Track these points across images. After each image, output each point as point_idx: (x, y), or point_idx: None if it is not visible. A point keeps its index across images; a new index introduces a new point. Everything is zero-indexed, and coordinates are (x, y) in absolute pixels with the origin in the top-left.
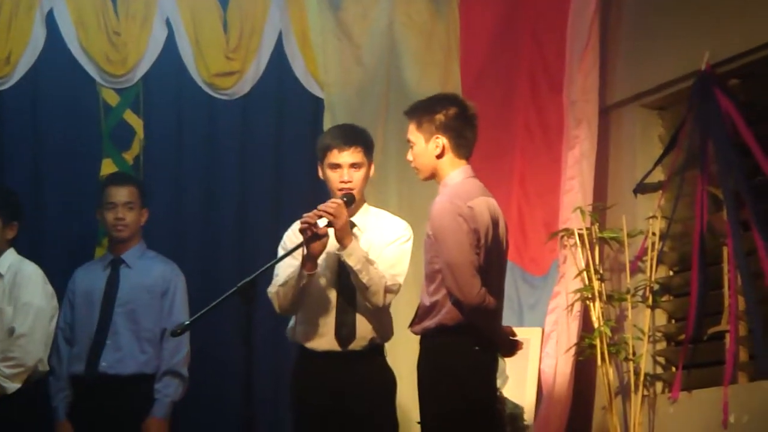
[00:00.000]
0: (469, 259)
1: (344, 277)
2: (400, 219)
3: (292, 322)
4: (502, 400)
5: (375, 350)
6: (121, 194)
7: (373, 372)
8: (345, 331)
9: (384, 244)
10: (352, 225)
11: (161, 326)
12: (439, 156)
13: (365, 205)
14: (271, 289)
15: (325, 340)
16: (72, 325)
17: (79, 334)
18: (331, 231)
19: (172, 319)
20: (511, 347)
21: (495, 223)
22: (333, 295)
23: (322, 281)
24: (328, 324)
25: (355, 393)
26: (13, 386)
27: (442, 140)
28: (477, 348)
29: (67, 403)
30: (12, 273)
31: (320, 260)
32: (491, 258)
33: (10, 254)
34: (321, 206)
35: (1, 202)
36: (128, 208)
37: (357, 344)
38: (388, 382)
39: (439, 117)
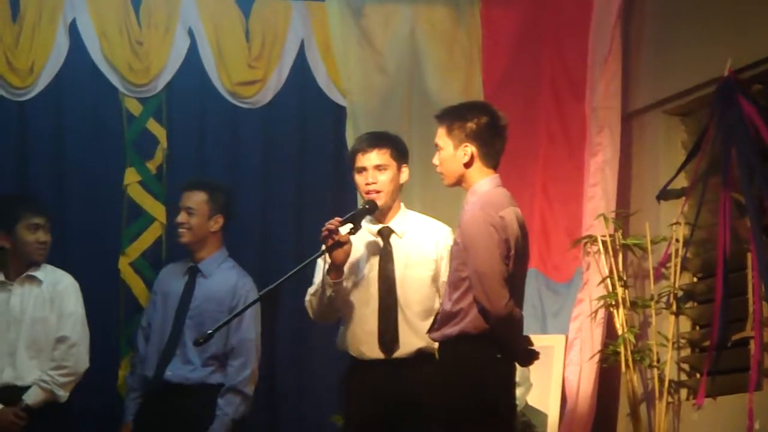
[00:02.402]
0: (499, 270)
1: (384, 285)
2: (441, 223)
3: (340, 333)
4: None
5: (423, 358)
6: (185, 199)
7: (422, 378)
8: (388, 338)
9: (425, 251)
10: (390, 231)
11: (228, 341)
12: (467, 164)
13: (402, 210)
14: (306, 297)
15: (369, 348)
16: (151, 325)
17: (153, 337)
18: (365, 235)
19: (239, 335)
20: (529, 357)
21: (523, 233)
22: (374, 303)
23: (364, 290)
24: (371, 332)
25: (403, 401)
26: (65, 395)
27: (471, 148)
28: (499, 356)
29: (137, 404)
30: (51, 282)
31: (361, 268)
32: (517, 268)
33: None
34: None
35: (48, 212)
36: (188, 214)
37: (402, 352)
38: None
39: (471, 125)
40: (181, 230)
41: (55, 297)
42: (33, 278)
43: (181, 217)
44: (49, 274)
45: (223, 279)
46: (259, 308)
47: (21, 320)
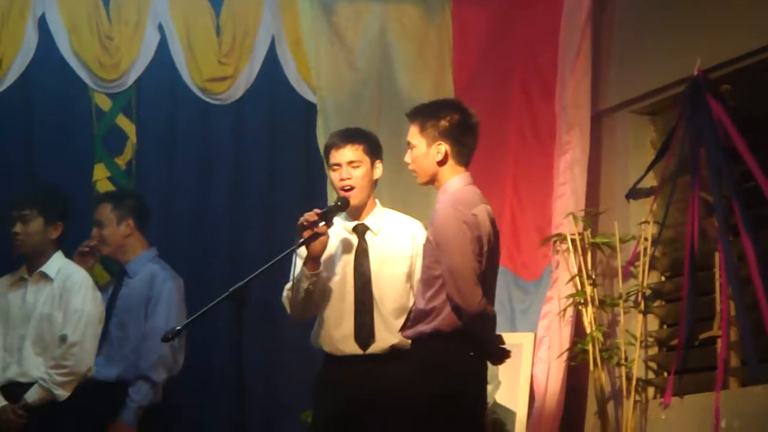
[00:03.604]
0: (472, 267)
1: (359, 281)
2: (416, 221)
3: (314, 329)
4: None
5: (397, 354)
6: (95, 214)
7: (397, 374)
8: (364, 334)
9: (400, 248)
10: (365, 228)
11: (142, 332)
12: (441, 162)
13: (378, 207)
14: (283, 293)
15: (345, 344)
16: None
17: None
18: (340, 232)
19: (149, 324)
20: (501, 355)
21: (494, 230)
22: (350, 300)
23: (340, 287)
24: (348, 328)
25: (376, 396)
26: (64, 394)
27: (444, 146)
28: (472, 354)
29: None
30: (62, 278)
31: (336, 265)
32: (489, 265)
33: (59, 258)
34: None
35: (43, 202)
36: (98, 227)
37: (377, 347)
38: None
39: (444, 123)
40: (97, 244)
41: (63, 293)
42: (45, 274)
43: (94, 232)
44: (63, 270)
45: (143, 275)
46: (177, 297)
47: (31, 316)
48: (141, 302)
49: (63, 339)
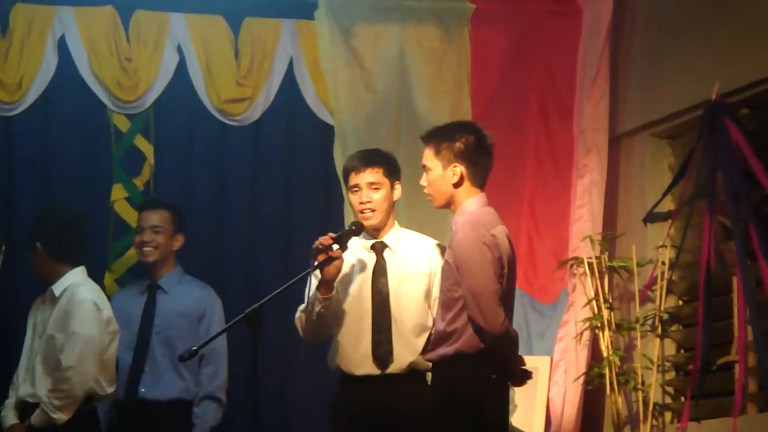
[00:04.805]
0: (494, 288)
1: (377, 299)
2: (434, 240)
3: (331, 350)
4: None
5: (414, 375)
6: (149, 218)
7: (415, 395)
8: (382, 353)
9: (418, 266)
10: (384, 246)
11: (199, 352)
12: (457, 184)
13: (396, 227)
14: (296, 314)
15: (363, 364)
16: None
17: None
18: (358, 251)
19: (208, 344)
20: (522, 377)
21: (512, 251)
22: (368, 318)
23: (357, 306)
24: (365, 348)
25: (394, 417)
26: (62, 417)
27: (460, 168)
28: (494, 376)
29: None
30: (66, 298)
31: (354, 284)
32: (508, 286)
33: (71, 276)
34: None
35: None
36: (155, 232)
37: (396, 366)
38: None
39: (459, 145)
40: (147, 249)
41: (64, 314)
42: (52, 293)
43: (148, 236)
44: (69, 289)
45: (185, 292)
46: (223, 315)
47: (42, 336)
48: (191, 319)
49: (59, 362)
